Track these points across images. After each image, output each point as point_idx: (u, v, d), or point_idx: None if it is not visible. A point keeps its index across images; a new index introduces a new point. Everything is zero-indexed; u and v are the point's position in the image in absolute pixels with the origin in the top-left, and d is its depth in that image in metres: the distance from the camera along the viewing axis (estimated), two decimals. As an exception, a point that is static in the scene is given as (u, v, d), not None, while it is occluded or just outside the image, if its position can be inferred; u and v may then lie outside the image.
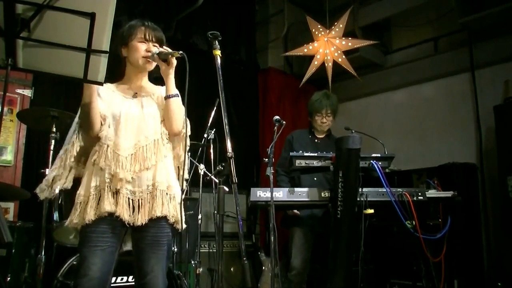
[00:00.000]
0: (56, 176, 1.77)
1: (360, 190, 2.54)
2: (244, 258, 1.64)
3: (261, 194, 2.55)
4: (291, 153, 2.76)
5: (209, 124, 3.42)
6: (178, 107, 1.83)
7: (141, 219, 1.69)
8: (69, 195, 2.73)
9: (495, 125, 3.87)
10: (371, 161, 2.63)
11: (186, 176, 1.91)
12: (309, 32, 4.57)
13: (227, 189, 1.90)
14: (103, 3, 1.33)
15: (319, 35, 4.50)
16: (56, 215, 2.68)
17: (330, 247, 2.57)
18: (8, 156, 3.48)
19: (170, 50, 1.80)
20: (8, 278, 2.54)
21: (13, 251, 2.58)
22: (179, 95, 1.84)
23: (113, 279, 2.43)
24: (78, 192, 1.74)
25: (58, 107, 2.58)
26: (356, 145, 2.49)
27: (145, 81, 1.94)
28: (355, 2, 4.93)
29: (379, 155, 2.72)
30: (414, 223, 2.49)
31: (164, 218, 1.76)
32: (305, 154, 2.74)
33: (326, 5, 4.87)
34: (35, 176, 3.18)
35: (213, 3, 4.85)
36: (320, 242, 3.01)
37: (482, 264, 3.92)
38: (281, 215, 3.22)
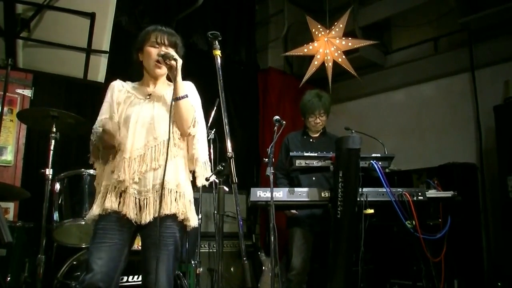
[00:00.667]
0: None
1: (360, 190, 2.53)
2: (244, 258, 1.64)
3: (261, 194, 2.55)
4: (291, 153, 2.76)
5: (209, 124, 3.42)
6: (186, 109, 1.83)
7: (145, 218, 1.73)
8: (69, 195, 2.74)
9: (495, 125, 3.87)
10: (371, 161, 2.63)
11: (202, 173, 1.89)
12: (309, 32, 4.56)
13: (227, 189, 1.90)
14: (103, 3, 1.33)
15: (319, 35, 4.50)
16: (56, 215, 2.68)
17: (330, 247, 2.57)
18: (8, 156, 3.48)
19: (170, 53, 1.81)
20: (8, 278, 2.54)
21: (13, 251, 2.58)
22: (188, 95, 1.85)
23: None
24: (98, 190, 1.85)
25: (58, 107, 2.57)
26: (356, 145, 2.49)
27: (161, 84, 1.98)
28: (355, 2, 4.93)
29: (379, 155, 2.72)
30: (414, 223, 2.49)
31: (172, 216, 1.77)
32: (305, 154, 2.74)
33: (326, 5, 4.86)
34: (35, 176, 3.18)
35: (213, 3, 4.86)
36: (320, 242, 3.01)
37: (482, 264, 3.92)
38: (284, 215, 3.22)
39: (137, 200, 1.75)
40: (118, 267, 1.74)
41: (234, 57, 5.15)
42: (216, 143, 3.48)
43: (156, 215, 1.73)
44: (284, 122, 2.68)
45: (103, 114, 1.86)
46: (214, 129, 3.45)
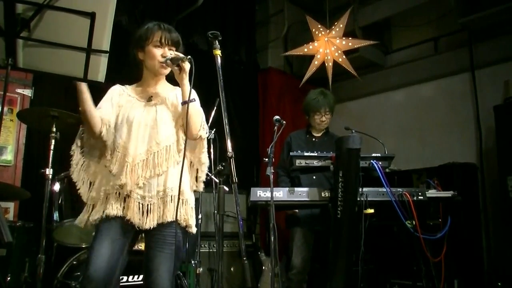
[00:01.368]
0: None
1: (360, 190, 2.54)
2: (244, 258, 1.64)
3: (261, 194, 2.55)
4: (291, 153, 2.76)
5: (209, 124, 3.42)
6: (195, 112, 1.81)
7: (149, 223, 1.72)
8: (69, 195, 2.74)
9: (495, 125, 3.87)
10: (371, 161, 2.63)
11: (204, 178, 1.92)
12: (309, 32, 4.57)
13: (227, 189, 1.91)
14: (103, 3, 1.33)
15: (319, 35, 4.50)
16: (56, 215, 2.68)
17: (330, 247, 2.57)
18: (8, 156, 3.48)
19: (181, 55, 1.79)
20: (8, 278, 2.54)
21: (13, 251, 2.57)
22: (196, 99, 1.84)
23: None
24: (89, 194, 1.81)
25: (58, 107, 2.57)
26: (356, 145, 2.49)
27: (161, 85, 1.96)
28: (355, 2, 4.93)
29: (379, 155, 2.72)
30: (414, 223, 2.49)
31: (175, 222, 1.76)
32: (305, 154, 2.74)
33: (326, 5, 4.87)
34: (35, 176, 3.18)
35: (213, 3, 4.85)
36: (320, 241, 3.01)
37: (482, 264, 3.92)
38: (284, 215, 3.23)
39: (140, 205, 1.73)
40: (119, 263, 1.74)
41: (234, 57, 5.15)
42: (216, 143, 3.47)
43: (160, 221, 1.73)
44: (284, 122, 2.68)
45: (101, 109, 1.83)
46: (214, 129, 3.44)
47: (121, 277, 2.32)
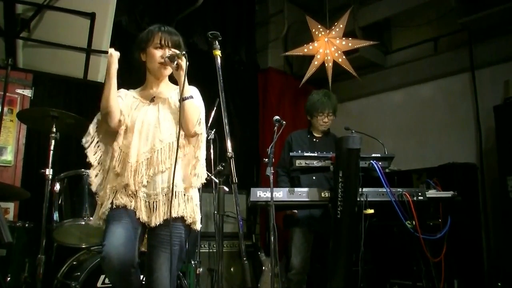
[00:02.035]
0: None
1: (360, 190, 2.54)
2: (244, 258, 1.64)
3: (261, 194, 2.55)
4: (291, 153, 2.76)
5: (209, 124, 3.42)
6: (192, 109, 1.83)
7: (155, 220, 1.74)
8: (69, 195, 2.74)
9: (495, 125, 3.87)
10: (371, 161, 2.63)
11: (199, 173, 1.89)
12: (309, 32, 4.57)
13: (227, 189, 1.91)
14: (103, 3, 1.33)
15: (319, 35, 4.50)
16: (56, 215, 2.68)
17: (330, 247, 2.57)
18: (8, 156, 3.48)
19: (177, 51, 1.81)
20: (8, 278, 2.54)
21: (13, 251, 2.57)
22: (194, 96, 1.86)
23: (102, 279, 2.43)
24: (100, 194, 1.86)
25: (58, 107, 2.57)
26: (356, 145, 2.49)
27: (164, 85, 1.99)
28: (355, 2, 4.93)
29: (379, 155, 2.72)
30: (414, 223, 2.49)
31: (180, 219, 1.79)
32: (305, 154, 2.74)
33: (326, 5, 4.86)
34: (35, 176, 3.18)
35: (213, 3, 4.85)
36: (319, 242, 3.01)
37: (482, 264, 3.92)
38: (282, 215, 3.23)
39: (147, 203, 1.77)
40: (136, 248, 1.75)
41: (234, 57, 5.15)
42: (216, 143, 3.47)
43: (165, 217, 1.74)
44: (284, 122, 2.68)
45: None
46: (214, 129, 3.45)
47: (99, 278, 2.35)
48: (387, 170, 2.72)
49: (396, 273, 3.68)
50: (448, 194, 2.80)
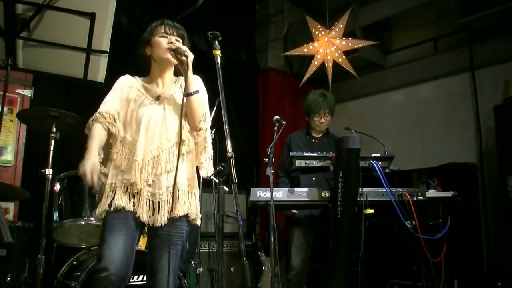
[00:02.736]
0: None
1: (360, 190, 2.53)
2: (244, 258, 1.64)
3: (261, 194, 2.55)
4: (291, 153, 2.76)
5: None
6: (198, 104, 1.83)
7: (160, 220, 1.73)
8: (69, 195, 2.74)
9: (495, 125, 3.86)
10: (371, 161, 2.63)
11: (207, 165, 1.90)
12: (309, 32, 4.57)
13: (227, 189, 1.90)
14: (103, 3, 1.33)
15: (319, 35, 4.50)
16: (56, 215, 2.68)
17: (330, 247, 2.57)
18: (8, 156, 3.48)
19: (183, 48, 1.80)
20: (8, 278, 2.54)
21: (13, 251, 2.57)
22: (199, 90, 1.85)
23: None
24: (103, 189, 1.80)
25: (58, 107, 2.57)
26: (356, 145, 2.48)
27: (169, 78, 1.96)
28: (355, 2, 4.93)
29: (379, 155, 2.72)
30: (414, 223, 2.49)
31: (184, 216, 1.79)
32: (305, 154, 2.74)
33: (326, 5, 4.86)
34: (35, 176, 3.18)
35: (213, 3, 4.85)
36: (320, 242, 3.01)
37: (482, 264, 3.92)
38: (283, 215, 3.23)
39: (150, 202, 1.74)
40: (132, 257, 1.73)
41: (234, 57, 5.15)
42: (216, 143, 3.47)
43: (172, 216, 1.74)
44: (284, 122, 2.68)
45: (107, 104, 1.83)
46: (214, 129, 3.44)
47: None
48: (387, 170, 2.72)
49: (396, 273, 3.68)
50: (448, 194, 2.80)
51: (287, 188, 2.66)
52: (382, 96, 5.23)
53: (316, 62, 4.54)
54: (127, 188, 1.74)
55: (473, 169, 4.06)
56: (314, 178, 3.05)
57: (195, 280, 3.30)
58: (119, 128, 1.82)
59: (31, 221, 2.80)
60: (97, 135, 1.76)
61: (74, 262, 2.63)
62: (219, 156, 3.47)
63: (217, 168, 1.91)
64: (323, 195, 2.63)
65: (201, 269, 3.37)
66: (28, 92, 3.57)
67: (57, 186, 2.70)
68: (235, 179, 1.66)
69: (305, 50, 4.58)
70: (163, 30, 1.87)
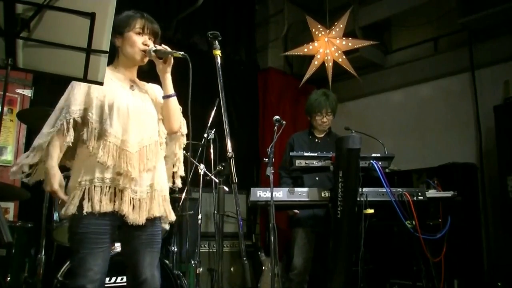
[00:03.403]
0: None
1: (360, 190, 2.54)
2: (244, 258, 1.64)
3: (261, 194, 2.55)
4: (291, 153, 2.76)
5: (209, 124, 3.42)
6: (176, 107, 1.82)
7: (141, 218, 1.67)
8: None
9: (495, 125, 3.87)
10: (371, 161, 2.63)
11: (182, 173, 1.91)
12: (309, 32, 4.57)
13: (227, 189, 1.90)
14: (103, 3, 1.33)
15: (319, 35, 4.50)
16: (56, 215, 2.68)
17: (330, 247, 2.57)
18: (8, 156, 3.48)
19: (169, 49, 1.78)
20: (8, 278, 2.53)
21: (13, 251, 2.57)
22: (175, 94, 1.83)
23: (113, 279, 2.43)
24: (70, 184, 1.67)
25: (58, 107, 2.57)
26: (356, 145, 2.49)
27: (135, 75, 1.89)
28: (355, 2, 4.93)
29: (379, 155, 2.72)
30: (414, 223, 2.49)
31: (159, 218, 1.77)
32: (305, 154, 2.74)
33: (326, 5, 4.86)
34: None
35: (213, 3, 4.85)
36: (321, 242, 3.01)
37: (482, 264, 3.92)
38: (285, 215, 3.23)
39: (132, 199, 1.66)
40: (107, 268, 1.69)
41: (234, 57, 5.15)
42: (216, 143, 3.47)
43: (147, 215, 1.69)
44: (284, 122, 2.68)
45: (75, 105, 1.71)
46: (214, 129, 3.45)
47: (108, 278, 2.32)
48: (387, 170, 2.72)
49: (396, 273, 3.68)
50: (448, 194, 2.80)
51: (287, 188, 2.66)
52: (382, 96, 5.24)
53: (316, 62, 4.55)
54: (109, 187, 1.63)
55: (473, 169, 4.06)
56: (317, 178, 3.06)
57: (195, 280, 3.30)
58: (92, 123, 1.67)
59: (31, 221, 2.80)
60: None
61: (74, 262, 2.62)
62: (219, 156, 3.48)
63: (217, 168, 1.92)
64: (323, 195, 2.63)
65: (201, 269, 3.37)
66: (28, 92, 3.57)
67: (57, 186, 2.69)
68: (235, 179, 1.66)
69: (305, 50, 4.58)
70: (139, 26, 1.77)
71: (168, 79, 1.80)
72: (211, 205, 3.97)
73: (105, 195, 1.61)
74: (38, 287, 2.46)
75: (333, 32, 4.43)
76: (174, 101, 1.80)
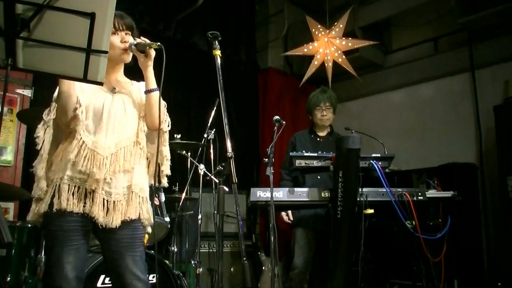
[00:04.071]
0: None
1: (360, 190, 2.53)
2: (244, 258, 1.64)
3: (261, 194, 2.55)
4: (291, 153, 2.76)
5: (209, 124, 3.42)
6: (158, 101, 1.76)
7: (115, 221, 1.63)
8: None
9: (495, 125, 3.87)
10: (371, 161, 2.63)
11: (168, 172, 1.85)
12: (309, 32, 4.57)
13: (227, 189, 1.90)
14: (103, 3, 1.33)
15: (319, 35, 4.50)
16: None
17: (330, 247, 2.57)
18: (8, 156, 3.48)
19: (148, 41, 1.74)
20: (8, 278, 2.53)
21: (13, 251, 2.58)
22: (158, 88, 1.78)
23: (102, 279, 2.41)
24: (37, 185, 1.67)
25: (58, 107, 2.57)
26: (356, 145, 2.48)
27: (121, 75, 1.87)
28: (355, 2, 4.93)
29: (379, 155, 2.72)
30: (414, 223, 2.49)
31: (138, 220, 1.71)
32: (305, 154, 2.74)
33: (326, 5, 4.87)
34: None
35: (213, 3, 4.85)
36: (322, 241, 3.01)
37: (482, 264, 3.92)
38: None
39: (105, 201, 1.63)
40: (85, 267, 1.68)
41: (234, 57, 5.15)
42: (216, 143, 3.48)
43: (123, 218, 1.64)
44: (284, 122, 2.68)
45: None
46: (214, 129, 3.45)
47: (99, 278, 2.30)
48: (387, 170, 2.72)
49: (396, 273, 3.68)
50: (448, 194, 2.80)
51: (287, 188, 2.66)
52: (382, 96, 5.24)
53: (316, 62, 4.55)
54: (79, 187, 1.62)
55: (473, 169, 4.07)
56: (319, 177, 3.06)
57: (195, 280, 3.30)
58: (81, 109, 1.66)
59: (31, 221, 2.79)
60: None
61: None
62: (219, 156, 3.48)
63: (217, 168, 1.91)
64: (323, 195, 2.63)
65: (201, 269, 3.37)
66: (28, 92, 3.57)
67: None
68: (235, 179, 1.66)
69: (305, 50, 4.58)
70: (112, 26, 1.71)
71: (150, 72, 1.76)
72: (211, 205, 3.97)
73: (73, 194, 1.61)
74: (38, 287, 2.46)
75: (333, 32, 4.43)
76: (155, 96, 1.75)
